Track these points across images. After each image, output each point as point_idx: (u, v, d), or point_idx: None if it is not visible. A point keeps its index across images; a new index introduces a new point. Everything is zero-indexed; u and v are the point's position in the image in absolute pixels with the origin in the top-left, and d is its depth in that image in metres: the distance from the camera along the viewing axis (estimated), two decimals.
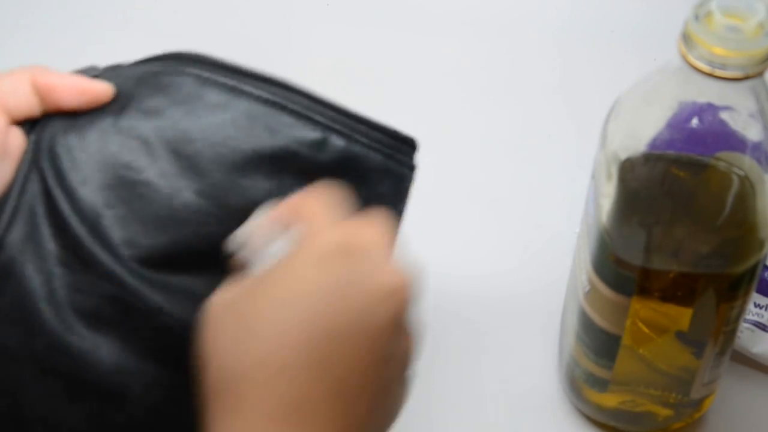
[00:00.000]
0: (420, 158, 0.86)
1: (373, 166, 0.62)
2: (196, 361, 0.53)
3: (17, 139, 0.56)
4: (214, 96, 0.60)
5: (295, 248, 0.53)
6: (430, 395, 0.75)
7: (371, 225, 0.54)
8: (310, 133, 0.60)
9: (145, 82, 0.60)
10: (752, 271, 0.64)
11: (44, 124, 0.58)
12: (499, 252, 0.81)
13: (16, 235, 0.56)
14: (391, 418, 0.55)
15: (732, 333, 0.68)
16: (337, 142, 0.60)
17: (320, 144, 0.60)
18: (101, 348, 0.55)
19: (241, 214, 0.57)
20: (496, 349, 0.77)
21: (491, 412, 0.75)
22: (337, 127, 0.60)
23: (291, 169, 0.59)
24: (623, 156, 0.62)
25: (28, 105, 0.57)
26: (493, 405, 0.75)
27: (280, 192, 0.58)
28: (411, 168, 0.65)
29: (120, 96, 0.59)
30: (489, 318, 0.78)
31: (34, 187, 0.57)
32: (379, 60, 0.92)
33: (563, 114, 0.88)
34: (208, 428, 0.52)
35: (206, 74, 0.61)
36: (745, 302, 0.66)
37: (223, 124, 0.59)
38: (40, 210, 0.56)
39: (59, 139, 0.57)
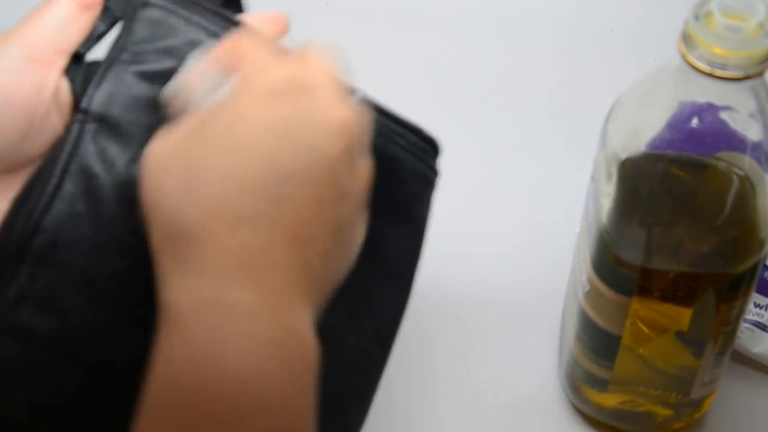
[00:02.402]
0: None
1: (409, 169, 0.62)
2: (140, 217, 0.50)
3: (66, 90, 0.54)
4: None
5: (240, 88, 0.50)
6: (430, 395, 0.75)
7: (317, 59, 0.52)
8: None
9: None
10: (752, 271, 0.64)
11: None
12: (498, 252, 0.81)
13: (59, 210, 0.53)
14: (346, 258, 0.53)
15: (732, 333, 0.68)
16: (376, 141, 0.58)
17: None
18: None
19: None
20: (495, 349, 0.77)
21: (491, 412, 0.75)
22: (377, 126, 0.59)
23: None
24: (623, 156, 0.62)
25: (81, 33, 0.54)
26: (493, 405, 0.75)
27: None
28: (436, 173, 0.64)
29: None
30: (489, 318, 0.78)
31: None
32: (378, 60, 0.92)
33: (563, 114, 0.88)
34: (160, 287, 0.49)
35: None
36: (745, 302, 0.66)
37: None
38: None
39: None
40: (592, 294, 0.67)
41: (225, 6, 0.59)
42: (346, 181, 0.51)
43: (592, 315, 0.68)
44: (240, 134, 0.49)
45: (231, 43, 0.52)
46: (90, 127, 0.54)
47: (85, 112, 0.54)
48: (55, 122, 0.53)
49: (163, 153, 0.50)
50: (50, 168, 0.53)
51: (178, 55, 0.55)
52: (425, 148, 0.63)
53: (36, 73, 0.53)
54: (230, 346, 0.47)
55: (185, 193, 0.48)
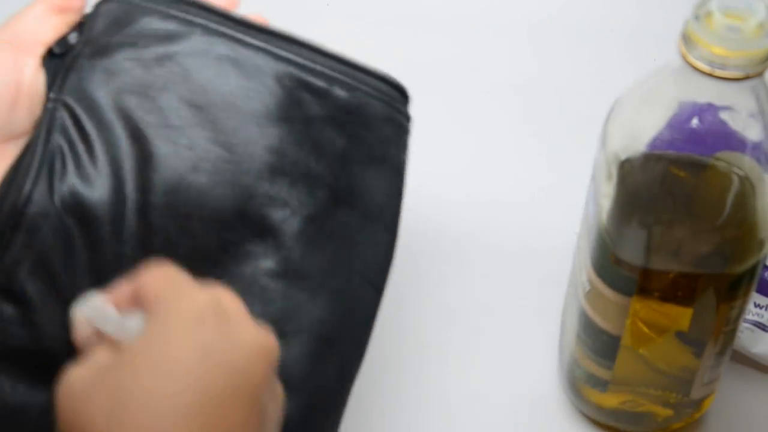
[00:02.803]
0: (420, 158, 0.86)
1: (376, 114, 0.64)
2: None
3: (42, 77, 0.61)
4: (222, 48, 0.62)
5: (161, 316, 0.52)
6: (431, 395, 0.75)
7: (222, 288, 0.54)
8: (315, 82, 0.62)
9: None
10: (752, 271, 0.64)
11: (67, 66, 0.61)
12: (499, 251, 0.81)
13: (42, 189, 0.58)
14: None
15: (732, 333, 0.68)
16: (340, 91, 0.63)
17: (324, 92, 0.62)
18: None
19: (254, 162, 0.60)
20: (496, 349, 0.77)
21: (491, 412, 0.75)
22: (340, 76, 0.63)
23: (298, 118, 0.61)
24: (623, 156, 0.62)
25: (56, 30, 0.61)
26: (493, 405, 0.75)
27: (291, 138, 0.60)
28: (408, 118, 0.67)
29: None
30: (489, 318, 0.78)
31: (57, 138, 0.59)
32: (378, 60, 0.91)
33: (563, 114, 0.88)
34: None
35: (213, 25, 0.62)
36: (745, 302, 0.66)
37: (233, 75, 0.61)
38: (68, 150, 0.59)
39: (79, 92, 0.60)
40: (592, 294, 0.67)
41: None
42: (268, 404, 0.52)
43: (593, 315, 0.68)
44: (167, 361, 0.50)
45: (136, 281, 0.54)
46: (59, 112, 0.60)
47: (55, 99, 0.60)
48: (36, 103, 0.60)
49: (82, 382, 0.51)
50: (33, 146, 0.59)
51: (134, 42, 0.61)
52: (392, 93, 0.65)
53: (18, 55, 0.60)
54: None
55: (112, 423, 0.49)
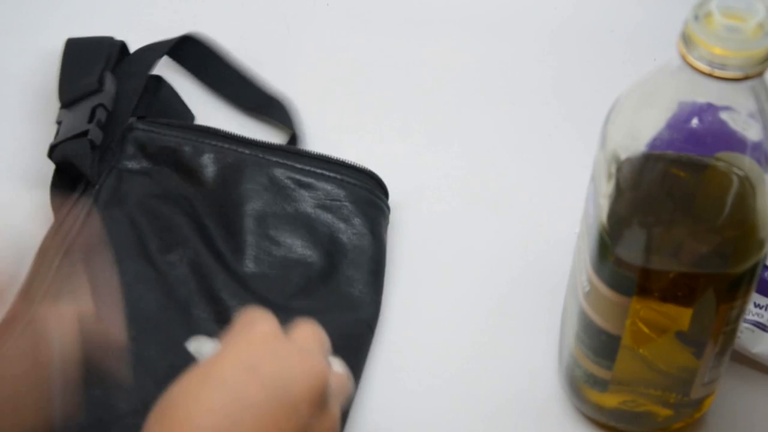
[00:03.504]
0: (420, 159, 0.86)
1: (359, 198, 0.80)
2: None
3: None
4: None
5: (227, 340, 0.61)
6: (431, 395, 0.75)
7: (309, 326, 0.63)
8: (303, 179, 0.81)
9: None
10: (752, 271, 0.64)
11: None
12: (499, 252, 0.81)
13: None
14: None
15: (732, 333, 0.68)
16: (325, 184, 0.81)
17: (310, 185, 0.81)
18: None
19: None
20: (496, 348, 0.77)
21: (491, 412, 0.75)
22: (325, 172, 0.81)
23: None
24: (623, 156, 0.62)
25: None
26: (493, 405, 0.75)
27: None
28: (386, 203, 0.82)
29: None
30: (489, 318, 0.78)
31: None
32: (378, 61, 0.92)
33: (563, 114, 0.88)
34: None
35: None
36: (745, 302, 0.66)
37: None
38: None
39: None
40: (592, 294, 0.67)
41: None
42: (311, 420, 0.58)
43: (592, 315, 0.68)
44: (214, 370, 0.58)
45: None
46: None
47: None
48: None
49: (172, 390, 0.59)
50: None
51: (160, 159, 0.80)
52: (372, 183, 0.81)
53: None
54: None
55: (159, 418, 0.58)
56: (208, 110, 0.88)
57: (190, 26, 0.92)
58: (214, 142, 0.80)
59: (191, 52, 0.89)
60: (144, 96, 0.84)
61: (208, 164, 0.79)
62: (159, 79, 0.86)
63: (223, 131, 0.81)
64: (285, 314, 0.64)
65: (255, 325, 0.61)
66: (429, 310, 0.79)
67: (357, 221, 0.79)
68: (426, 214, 0.83)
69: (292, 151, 0.82)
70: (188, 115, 0.86)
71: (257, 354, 0.59)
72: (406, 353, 0.77)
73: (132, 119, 0.81)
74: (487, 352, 0.77)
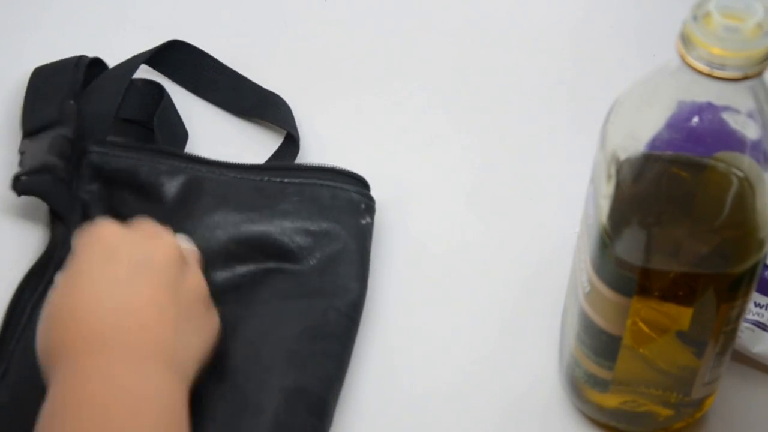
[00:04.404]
0: (420, 158, 0.86)
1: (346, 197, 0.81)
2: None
3: None
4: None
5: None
6: (431, 395, 0.75)
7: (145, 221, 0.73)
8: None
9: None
10: (752, 270, 0.64)
11: None
12: (499, 253, 0.81)
13: None
14: (204, 338, 0.69)
15: (732, 333, 0.68)
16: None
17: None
18: None
19: None
20: (496, 349, 0.77)
21: (492, 412, 0.75)
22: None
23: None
24: (622, 156, 0.62)
25: None
26: (494, 405, 0.75)
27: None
28: (371, 198, 0.82)
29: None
30: (489, 318, 0.78)
31: None
32: (377, 59, 0.92)
33: (562, 114, 0.88)
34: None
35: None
36: (745, 302, 0.66)
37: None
38: None
39: None
40: (592, 294, 0.67)
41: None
42: (177, 280, 0.68)
43: (593, 315, 0.68)
44: (76, 269, 0.68)
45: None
46: None
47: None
48: None
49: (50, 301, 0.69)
50: None
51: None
52: (356, 182, 0.81)
53: None
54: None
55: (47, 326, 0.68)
56: (199, 117, 0.87)
57: (186, 23, 0.92)
58: (171, 161, 0.80)
59: (174, 59, 0.88)
60: (149, 104, 0.84)
61: (165, 182, 0.79)
62: (161, 89, 0.86)
63: (181, 152, 0.82)
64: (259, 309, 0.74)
65: (98, 228, 0.70)
66: (429, 311, 0.79)
67: (323, 221, 0.78)
68: (426, 215, 0.83)
69: (251, 166, 0.81)
70: (182, 129, 0.86)
71: (110, 246, 0.68)
72: (405, 354, 0.77)
73: (89, 143, 0.80)
74: (487, 352, 0.77)
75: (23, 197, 0.79)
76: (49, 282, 0.74)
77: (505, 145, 0.87)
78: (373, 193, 0.81)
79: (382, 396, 0.75)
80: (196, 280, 0.70)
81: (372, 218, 0.80)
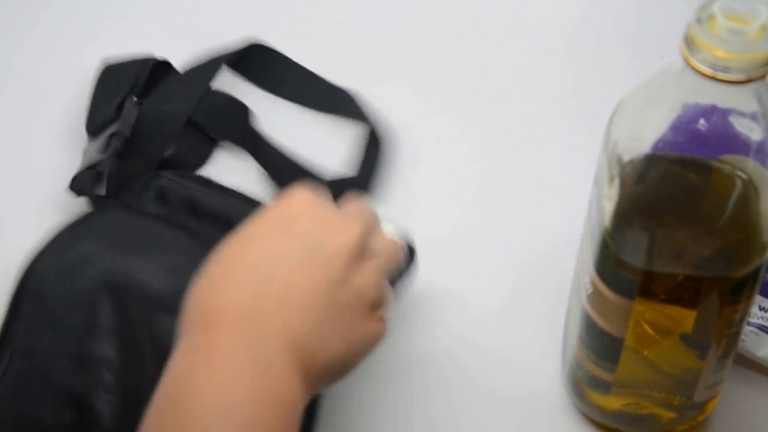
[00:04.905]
0: (423, 159, 0.86)
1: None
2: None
3: None
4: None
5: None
6: (433, 396, 0.75)
7: (354, 200, 0.68)
8: None
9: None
10: (755, 274, 0.64)
11: None
12: (502, 253, 0.81)
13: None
14: (351, 347, 0.63)
15: (735, 336, 0.67)
16: None
17: None
18: None
19: None
20: (498, 350, 0.77)
21: (494, 413, 0.75)
22: None
23: None
24: (626, 158, 0.62)
25: None
26: (496, 406, 0.75)
27: None
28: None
29: None
30: (491, 319, 0.78)
31: None
32: (380, 58, 0.92)
33: (566, 115, 0.88)
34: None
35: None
36: (748, 305, 0.66)
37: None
38: None
39: None
40: (595, 296, 0.67)
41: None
42: (345, 275, 0.62)
43: (595, 317, 0.67)
44: (249, 231, 0.63)
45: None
46: None
47: None
48: None
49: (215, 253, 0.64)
50: None
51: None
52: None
53: None
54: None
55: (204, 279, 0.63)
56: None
57: (196, 25, 0.92)
58: (236, 201, 0.79)
59: (249, 59, 0.89)
60: (226, 116, 0.85)
61: (221, 216, 0.78)
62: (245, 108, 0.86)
63: (243, 194, 0.80)
64: None
65: (293, 193, 0.65)
66: (432, 311, 0.79)
67: None
68: (428, 215, 0.83)
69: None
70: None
71: (292, 215, 0.63)
72: (409, 352, 0.77)
73: (162, 171, 0.80)
74: (489, 353, 0.77)
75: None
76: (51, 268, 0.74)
77: (509, 147, 0.87)
78: (376, 192, 0.81)
79: (382, 395, 0.75)
80: (366, 282, 0.63)
81: None
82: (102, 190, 0.78)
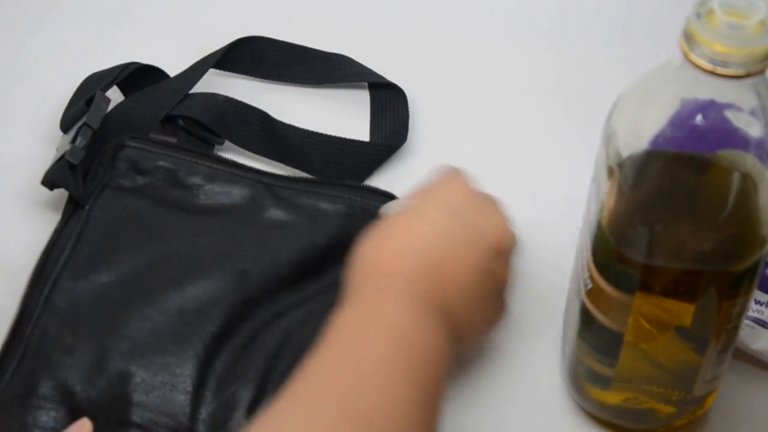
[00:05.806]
0: (423, 156, 0.86)
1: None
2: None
3: None
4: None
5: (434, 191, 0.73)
6: None
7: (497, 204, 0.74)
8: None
9: None
10: (754, 268, 0.64)
11: None
12: None
13: None
14: (486, 321, 0.72)
15: (734, 330, 0.68)
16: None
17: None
18: None
19: None
20: (498, 346, 0.77)
21: (493, 410, 0.75)
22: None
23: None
24: (625, 153, 0.62)
25: None
26: (495, 403, 0.75)
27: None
28: None
29: None
30: None
31: None
32: (379, 57, 0.92)
33: (565, 111, 0.88)
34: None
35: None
36: (747, 299, 0.66)
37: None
38: None
39: None
40: (594, 291, 0.67)
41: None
42: (495, 265, 0.70)
43: (595, 312, 0.68)
44: (423, 210, 0.70)
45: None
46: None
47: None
48: None
49: (386, 222, 0.71)
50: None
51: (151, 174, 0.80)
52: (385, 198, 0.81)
53: None
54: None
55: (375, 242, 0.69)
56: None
57: (190, 23, 0.92)
58: (207, 164, 0.80)
59: (237, 54, 0.89)
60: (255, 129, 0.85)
61: (204, 184, 0.80)
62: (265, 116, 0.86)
63: (214, 154, 0.82)
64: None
65: (452, 178, 0.73)
66: None
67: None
68: None
69: (285, 176, 0.82)
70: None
71: (460, 203, 0.71)
72: None
73: (123, 137, 0.81)
74: (488, 349, 0.77)
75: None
76: (61, 270, 0.74)
77: (508, 142, 0.87)
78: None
79: None
80: (505, 275, 0.72)
81: None
82: (76, 180, 0.78)
